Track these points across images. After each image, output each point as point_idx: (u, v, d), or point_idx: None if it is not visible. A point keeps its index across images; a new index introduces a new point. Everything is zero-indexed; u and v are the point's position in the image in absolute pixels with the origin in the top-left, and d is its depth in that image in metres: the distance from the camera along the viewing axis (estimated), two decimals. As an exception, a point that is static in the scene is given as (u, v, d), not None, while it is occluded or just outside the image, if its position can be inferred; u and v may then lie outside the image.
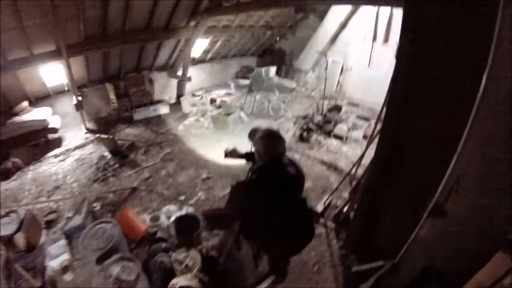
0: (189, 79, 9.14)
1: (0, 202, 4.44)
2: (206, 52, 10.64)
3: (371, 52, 9.55)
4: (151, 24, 7.01)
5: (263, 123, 7.66)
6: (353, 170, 4.59)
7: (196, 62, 10.66)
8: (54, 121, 6.77)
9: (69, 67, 5.94)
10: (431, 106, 2.37)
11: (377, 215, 3.07)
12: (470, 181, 1.77)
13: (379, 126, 4.20)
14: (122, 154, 5.92)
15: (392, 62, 8.29)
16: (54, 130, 6.78)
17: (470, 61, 1.91)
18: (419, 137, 2.51)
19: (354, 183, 4.67)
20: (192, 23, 7.80)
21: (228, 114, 7.52)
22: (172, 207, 4.17)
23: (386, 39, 9.31)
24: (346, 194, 4.67)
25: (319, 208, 4.27)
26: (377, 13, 9.27)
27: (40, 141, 6.57)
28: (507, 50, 1.49)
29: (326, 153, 6.29)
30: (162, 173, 5.32)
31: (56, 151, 6.51)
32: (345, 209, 4.05)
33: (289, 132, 7.04)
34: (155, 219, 3.88)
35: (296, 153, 6.17)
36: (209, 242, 3.60)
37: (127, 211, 3.77)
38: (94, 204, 4.48)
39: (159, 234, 3.61)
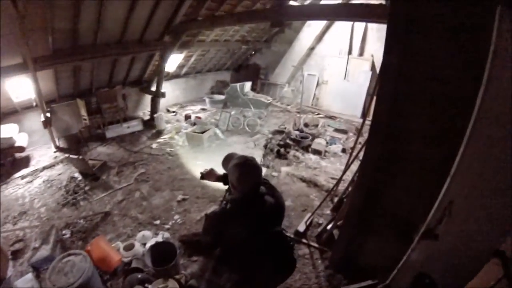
0: (163, 95, 9.04)
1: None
2: (180, 67, 10.65)
3: (346, 65, 9.96)
4: (124, 38, 6.92)
5: (239, 139, 7.76)
6: (334, 187, 4.73)
7: (170, 77, 10.62)
8: (20, 139, 6.45)
9: (36, 81, 5.73)
10: (421, 123, 2.38)
11: (363, 234, 3.11)
12: (463, 203, 1.87)
13: (360, 139, 4.44)
14: (93, 175, 5.73)
15: (368, 74, 8.85)
16: (21, 149, 6.46)
17: (467, 61, 1.99)
18: (407, 157, 2.54)
19: (335, 199, 4.75)
20: (167, 37, 7.78)
21: (203, 132, 7.49)
22: (147, 233, 4.09)
23: (361, 53, 9.83)
24: (328, 211, 4.70)
25: (301, 228, 4.27)
26: (352, 27, 9.78)
27: (5, 161, 6.27)
28: (507, 50, 1.55)
29: (305, 169, 6.27)
30: (136, 195, 5.19)
31: (23, 171, 6.21)
32: (329, 227, 4.04)
33: (265, 149, 7.11)
34: (129, 247, 3.79)
35: (274, 170, 6.19)
36: (188, 270, 3.54)
37: (99, 240, 3.66)
38: (64, 232, 4.29)
39: (134, 264, 3.52)
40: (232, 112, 8.96)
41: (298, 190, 5.51)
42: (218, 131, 7.98)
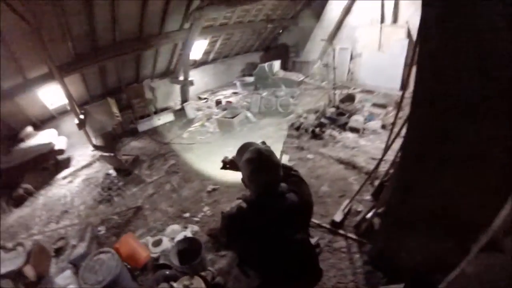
0: (191, 83, 9.05)
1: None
2: (207, 53, 10.54)
3: (380, 34, 9.10)
4: (143, 32, 6.93)
5: (271, 121, 7.52)
6: (375, 169, 4.18)
7: (198, 64, 10.58)
8: (59, 143, 6.88)
9: (65, 87, 5.91)
10: (477, 90, 1.74)
11: (404, 228, 2.62)
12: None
13: (400, 114, 3.84)
14: (126, 171, 5.91)
15: (404, 42, 7.92)
16: (61, 152, 6.91)
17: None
18: (460, 137, 1.93)
19: (376, 182, 4.23)
20: (186, 25, 7.66)
21: (233, 116, 7.37)
22: (176, 227, 4.09)
23: (394, 20, 8.91)
24: (368, 196, 4.25)
25: (338, 217, 3.89)
26: None
27: (49, 164, 6.73)
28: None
29: (343, 150, 5.80)
30: (166, 187, 5.25)
31: (65, 172, 6.65)
32: (368, 215, 3.57)
33: (299, 130, 6.78)
34: (157, 243, 3.81)
35: (309, 152, 5.85)
36: (216, 266, 3.45)
37: (127, 237, 3.71)
38: (99, 228, 4.48)
39: (162, 260, 3.54)
40: (263, 94, 8.71)
41: (335, 173, 5.10)
42: (249, 114, 7.80)
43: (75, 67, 6.32)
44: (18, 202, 5.81)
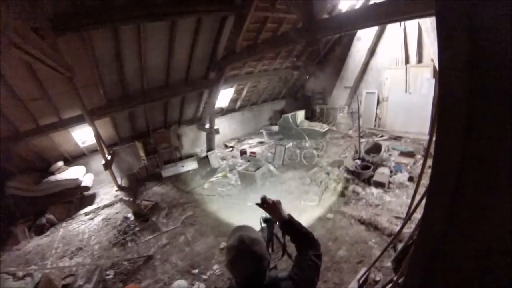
0: (217, 131, 9.40)
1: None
2: (234, 100, 11.00)
3: (406, 75, 9.19)
4: (169, 81, 7.50)
5: (294, 175, 7.49)
6: (398, 230, 3.82)
7: (225, 112, 11.03)
8: (86, 180, 7.37)
9: (94, 129, 6.48)
10: None
11: None
12: None
13: (429, 162, 3.41)
14: (144, 216, 6.10)
15: (431, 82, 7.68)
16: (86, 189, 7.37)
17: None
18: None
19: (400, 246, 3.83)
20: (212, 74, 8.15)
21: (256, 169, 7.45)
22: (182, 283, 4.09)
23: (419, 59, 9.05)
24: (388, 263, 3.93)
25: (353, 286, 3.64)
26: (405, 31, 9.12)
27: (74, 199, 7.21)
28: None
29: (365, 208, 5.53)
30: (180, 239, 5.32)
31: (88, 208, 7.08)
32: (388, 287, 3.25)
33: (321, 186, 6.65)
34: (161, 298, 3.81)
35: (330, 211, 5.65)
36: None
37: (133, 288, 3.76)
38: (108, 272, 4.59)
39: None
40: (287, 145, 8.83)
41: (355, 235, 4.87)
42: (272, 168, 7.88)
43: (106, 111, 6.98)
44: (40, 231, 6.27)
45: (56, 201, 6.86)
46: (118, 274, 4.54)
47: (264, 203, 1.93)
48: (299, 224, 1.88)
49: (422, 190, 3.46)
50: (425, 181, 3.14)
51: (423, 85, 8.77)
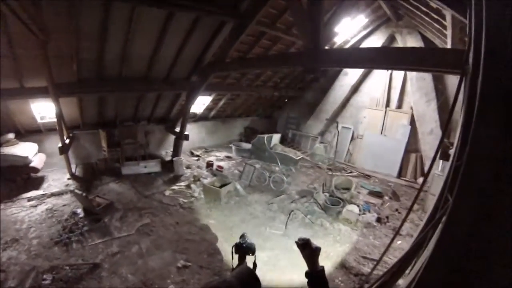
0: (186, 137, 9.11)
1: None
2: (209, 109, 10.89)
3: (384, 118, 9.75)
4: (149, 74, 7.18)
5: (261, 198, 7.37)
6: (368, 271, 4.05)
7: (197, 118, 10.84)
8: (37, 160, 6.73)
9: (58, 107, 5.99)
10: None
11: None
12: None
13: (397, 205, 3.50)
14: (95, 215, 5.59)
15: (406, 128, 8.39)
16: (35, 170, 6.73)
17: None
18: None
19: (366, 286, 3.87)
20: (194, 78, 7.96)
21: (222, 185, 7.28)
22: (131, 303, 3.73)
23: (399, 105, 9.69)
24: None
25: None
26: (390, 76, 9.73)
27: (18, 178, 6.54)
28: None
29: (332, 244, 5.53)
30: (133, 249, 4.88)
31: (33, 193, 6.43)
32: None
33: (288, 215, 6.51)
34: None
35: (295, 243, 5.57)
36: None
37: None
38: (45, 276, 4.07)
39: None
40: (257, 166, 8.72)
41: None
42: (239, 187, 7.69)
43: (75, 90, 6.45)
44: None
45: None
46: (56, 281, 4.01)
47: (306, 247, 1.74)
48: (327, 283, 1.72)
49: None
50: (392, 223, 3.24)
51: (399, 130, 9.39)
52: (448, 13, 4.35)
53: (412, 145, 9.28)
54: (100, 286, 4.06)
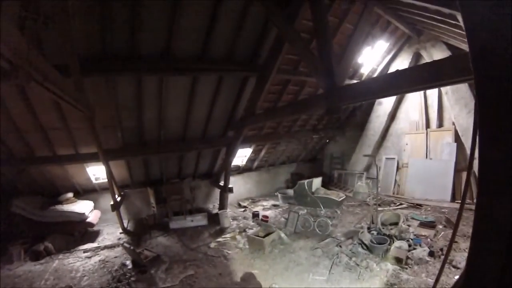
0: (230, 190, 9.36)
1: None
2: (251, 160, 11.16)
3: (426, 140, 9.23)
4: (186, 135, 7.79)
5: (305, 244, 7.19)
6: None
7: (242, 170, 11.16)
8: (92, 216, 7.45)
9: (108, 169, 6.67)
10: None
11: None
12: None
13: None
14: (142, 267, 5.92)
15: (452, 146, 7.82)
16: (91, 225, 7.47)
17: None
18: None
19: None
20: (230, 133, 8.37)
21: (267, 234, 7.28)
22: None
23: (440, 123, 9.14)
24: None
25: None
26: (425, 95, 9.31)
27: (76, 232, 7.31)
28: None
29: (379, 287, 5.15)
30: (175, 300, 5.04)
31: (88, 245, 7.12)
32: None
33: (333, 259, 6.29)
34: None
35: None
36: None
37: None
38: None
39: None
40: (301, 212, 8.63)
41: None
42: (282, 235, 7.64)
43: (121, 154, 7.30)
44: (35, 257, 6.33)
45: (58, 231, 6.97)
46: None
47: None
48: None
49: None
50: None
51: (444, 150, 8.81)
52: (458, 15, 4.20)
53: (462, 163, 8.53)
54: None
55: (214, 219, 8.95)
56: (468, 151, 8.05)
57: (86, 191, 8.10)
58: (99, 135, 6.05)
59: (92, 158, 6.88)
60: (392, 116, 10.59)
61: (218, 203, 9.85)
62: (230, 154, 8.64)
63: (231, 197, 9.94)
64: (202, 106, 7.12)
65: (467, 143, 8.22)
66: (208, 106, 7.20)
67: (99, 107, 5.59)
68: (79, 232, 7.37)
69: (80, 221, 7.11)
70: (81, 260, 6.40)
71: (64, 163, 6.81)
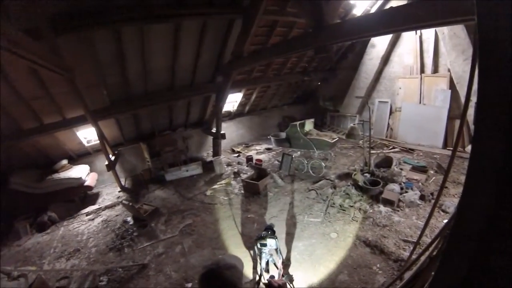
0: (223, 136, 9.51)
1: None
2: (242, 105, 11.16)
3: (420, 85, 9.21)
4: (174, 84, 7.67)
5: (300, 186, 7.51)
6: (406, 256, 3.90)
7: (233, 116, 11.23)
8: (90, 179, 7.63)
9: (98, 130, 6.75)
10: None
11: None
12: None
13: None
14: (143, 221, 6.28)
15: (446, 93, 7.62)
16: (89, 188, 7.63)
17: None
18: None
19: (408, 275, 3.32)
20: (219, 78, 8.27)
21: (261, 178, 7.56)
22: (174, 297, 4.24)
23: (435, 69, 9.03)
24: None
25: None
26: (420, 39, 9.10)
27: (76, 197, 7.52)
28: None
29: (372, 228, 5.37)
30: (177, 249, 5.43)
31: (89, 208, 7.38)
32: None
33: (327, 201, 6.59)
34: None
35: (334, 230, 5.53)
36: None
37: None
38: (102, 278, 4.77)
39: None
40: (294, 155, 8.86)
41: (359, 258, 4.69)
42: (277, 178, 7.97)
43: (109, 112, 7.24)
44: (41, 228, 6.59)
45: (58, 199, 7.18)
46: (111, 281, 4.68)
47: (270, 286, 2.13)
48: None
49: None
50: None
51: (438, 96, 8.79)
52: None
53: (455, 110, 8.56)
54: (148, 283, 4.66)
55: (208, 167, 9.22)
56: (463, 99, 8.07)
57: (80, 156, 8.20)
58: (84, 96, 6.01)
59: (81, 121, 6.85)
60: (386, 59, 10.37)
61: (212, 150, 10.06)
62: (220, 99, 8.61)
63: (224, 144, 10.14)
64: (188, 54, 6.94)
65: (462, 90, 8.13)
66: (194, 53, 7.02)
67: (79, 68, 5.44)
68: (79, 197, 7.62)
69: (78, 186, 7.28)
70: (84, 224, 6.72)
71: (52, 131, 6.78)
